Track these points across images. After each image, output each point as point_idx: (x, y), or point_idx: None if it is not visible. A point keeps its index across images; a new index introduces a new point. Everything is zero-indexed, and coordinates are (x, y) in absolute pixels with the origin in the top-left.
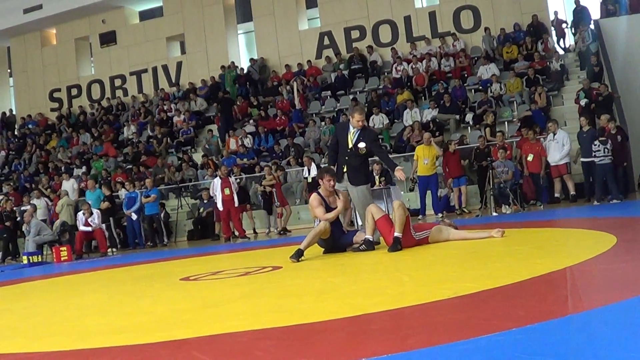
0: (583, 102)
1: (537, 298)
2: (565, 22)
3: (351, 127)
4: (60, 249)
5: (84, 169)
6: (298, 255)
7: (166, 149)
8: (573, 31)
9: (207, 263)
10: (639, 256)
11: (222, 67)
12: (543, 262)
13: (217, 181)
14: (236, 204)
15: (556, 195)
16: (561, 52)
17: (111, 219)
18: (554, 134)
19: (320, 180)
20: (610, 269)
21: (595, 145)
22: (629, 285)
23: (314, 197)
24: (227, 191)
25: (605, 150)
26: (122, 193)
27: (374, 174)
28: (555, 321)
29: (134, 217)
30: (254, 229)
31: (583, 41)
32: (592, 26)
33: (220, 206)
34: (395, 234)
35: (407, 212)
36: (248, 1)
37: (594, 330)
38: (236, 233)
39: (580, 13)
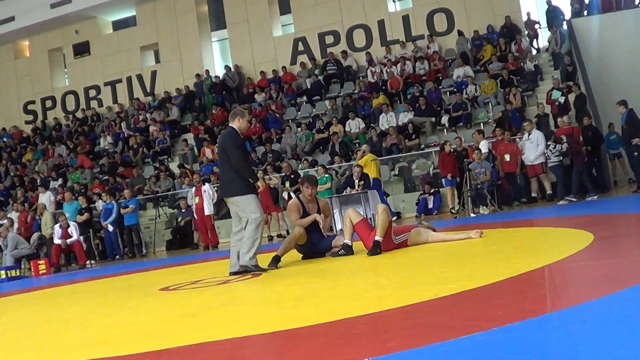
0: (562, 99)
1: (516, 297)
2: (538, 22)
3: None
4: (38, 262)
5: (60, 181)
6: (275, 261)
7: (142, 159)
8: (546, 32)
9: (186, 272)
10: (615, 253)
11: (197, 75)
12: (521, 262)
13: (193, 190)
14: (206, 213)
15: (533, 194)
16: (534, 52)
17: (90, 230)
18: (529, 134)
19: (300, 187)
20: (588, 266)
21: (548, 146)
22: (606, 283)
23: (293, 202)
24: (196, 200)
25: (556, 151)
26: (100, 204)
27: (353, 178)
28: (534, 320)
29: (110, 228)
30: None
31: (556, 41)
32: (565, 26)
33: (195, 214)
34: (376, 238)
35: (390, 216)
36: (221, 9)
37: (572, 327)
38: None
39: (552, 13)
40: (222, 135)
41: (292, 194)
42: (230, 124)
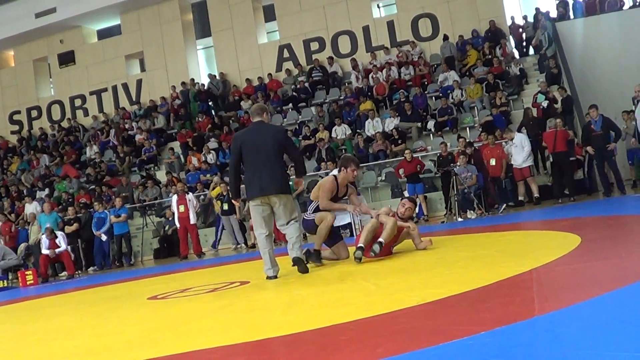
0: (545, 103)
1: (504, 301)
2: (522, 27)
3: None
4: (26, 273)
5: (46, 191)
6: (317, 257)
7: (129, 168)
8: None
9: (174, 281)
10: (603, 255)
11: (183, 83)
12: (508, 265)
13: (174, 198)
14: (192, 221)
15: (520, 198)
16: (519, 56)
17: (79, 240)
18: (512, 139)
19: (343, 169)
20: (575, 269)
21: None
22: (594, 285)
23: (330, 179)
24: (182, 208)
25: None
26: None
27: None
28: (522, 323)
29: (104, 237)
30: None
31: (539, 45)
32: (549, 30)
33: (176, 223)
34: (380, 239)
35: (395, 231)
36: (206, 16)
37: (560, 330)
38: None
39: (538, 16)
40: (269, 130)
41: None
42: (261, 120)
